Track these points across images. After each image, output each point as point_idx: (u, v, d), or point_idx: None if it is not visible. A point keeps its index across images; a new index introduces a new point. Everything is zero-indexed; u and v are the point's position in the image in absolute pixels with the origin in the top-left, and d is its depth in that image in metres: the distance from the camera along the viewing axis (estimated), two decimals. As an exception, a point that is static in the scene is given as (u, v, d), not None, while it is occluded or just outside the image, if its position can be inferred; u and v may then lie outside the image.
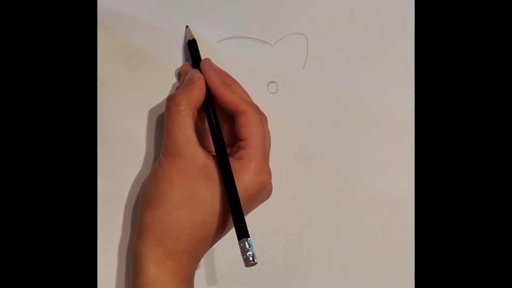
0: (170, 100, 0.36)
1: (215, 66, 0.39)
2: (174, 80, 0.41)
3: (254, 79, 0.41)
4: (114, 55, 0.40)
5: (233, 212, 0.34)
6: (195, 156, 0.35)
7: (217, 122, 0.37)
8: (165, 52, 0.41)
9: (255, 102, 0.39)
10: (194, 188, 0.35)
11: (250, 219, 0.40)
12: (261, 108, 0.38)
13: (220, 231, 0.36)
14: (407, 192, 0.42)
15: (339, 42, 0.43)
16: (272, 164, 0.38)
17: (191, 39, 0.40)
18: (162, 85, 0.41)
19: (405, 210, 0.42)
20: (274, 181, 0.38)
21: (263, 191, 0.37)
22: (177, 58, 0.41)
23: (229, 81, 0.39)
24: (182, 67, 0.40)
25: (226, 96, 0.37)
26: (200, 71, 0.38)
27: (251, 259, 0.33)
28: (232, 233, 0.35)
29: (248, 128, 0.37)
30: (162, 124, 0.40)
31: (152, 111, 0.40)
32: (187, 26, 0.41)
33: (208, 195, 0.35)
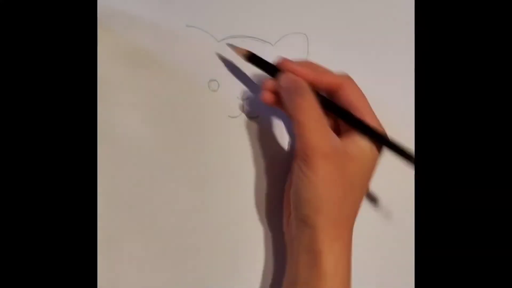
0: (301, 102, 0.36)
1: (290, 60, 0.38)
2: (174, 80, 0.41)
3: (254, 79, 0.41)
4: (114, 55, 0.40)
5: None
6: (342, 147, 0.36)
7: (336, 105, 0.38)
8: (166, 52, 0.41)
9: (255, 101, 0.39)
10: (350, 178, 0.36)
11: (249, 218, 0.40)
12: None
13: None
14: (407, 192, 0.42)
15: (339, 41, 0.43)
16: (271, 164, 0.38)
17: (246, 53, 0.39)
18: (162, 85, 0.41)
19: (405, 210, 0.42)
20: (272, 181, 0.38)
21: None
22: (177, 58, 0.41)
23: (310, 65, 0.38)
24: (265, 84, 0.38)
25: (320, 78, 0.38)
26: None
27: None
28: (229, 237, 0.34)
29: (351, 95, 0.38)
30: (162, 124, 0.40)
31: (152, 111, 0.40)
32: (229, 44, 0.40)
33: (357, 178, 0.37)
